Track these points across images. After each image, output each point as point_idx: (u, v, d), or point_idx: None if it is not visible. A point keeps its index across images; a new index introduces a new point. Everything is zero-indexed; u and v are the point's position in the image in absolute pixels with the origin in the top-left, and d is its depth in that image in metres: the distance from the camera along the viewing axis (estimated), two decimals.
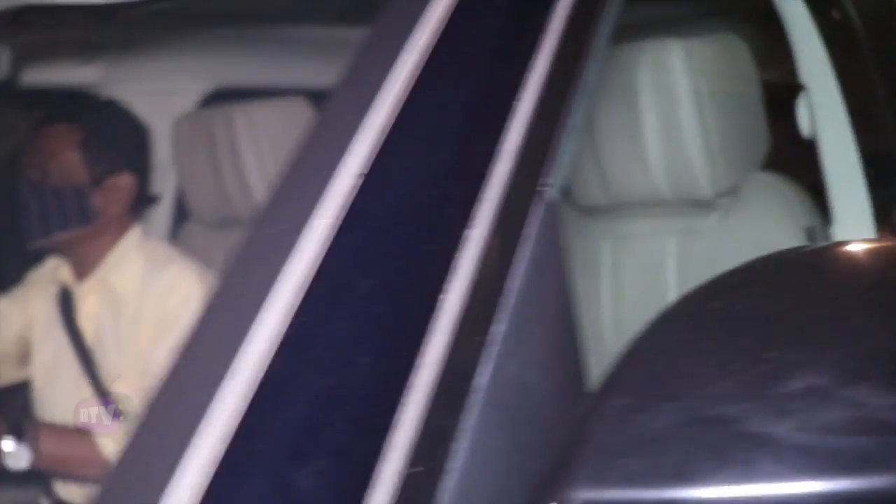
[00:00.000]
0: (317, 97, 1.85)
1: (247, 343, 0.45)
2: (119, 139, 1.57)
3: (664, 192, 1.16)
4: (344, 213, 0.51)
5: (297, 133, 1.72)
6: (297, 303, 0.47)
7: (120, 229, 1.51)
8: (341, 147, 0.56)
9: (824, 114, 1.10)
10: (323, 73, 2.15)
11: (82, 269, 1.50)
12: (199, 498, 0.39)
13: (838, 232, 1.10)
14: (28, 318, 1.52)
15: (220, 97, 1.95)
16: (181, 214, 1.96)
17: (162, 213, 1.93)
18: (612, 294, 1.27)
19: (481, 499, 0.47)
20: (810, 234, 1.06)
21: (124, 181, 1.52)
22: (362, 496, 0.41)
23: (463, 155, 0.59)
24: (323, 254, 0.50)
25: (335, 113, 0.63)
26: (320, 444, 0.43)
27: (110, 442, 1.34)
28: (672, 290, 1.18)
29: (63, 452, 1.34)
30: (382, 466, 0.42)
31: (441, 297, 0.49)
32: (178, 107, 1.93)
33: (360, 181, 0.53)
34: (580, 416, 0.47)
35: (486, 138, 0.59)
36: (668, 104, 1.10)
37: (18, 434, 1.27)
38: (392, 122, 0.57)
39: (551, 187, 0.59)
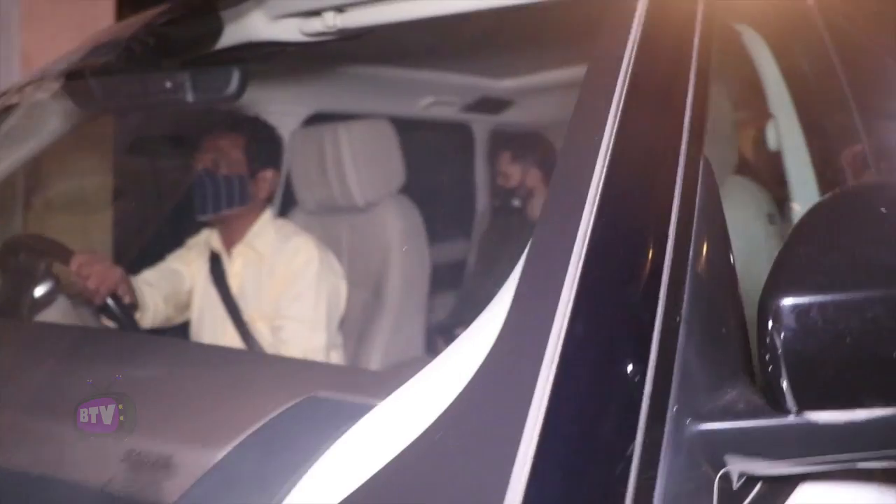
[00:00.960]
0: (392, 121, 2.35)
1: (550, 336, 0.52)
2: (266, 144, 2.05)
3: None
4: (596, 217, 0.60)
5: (383, 145, 2.21)
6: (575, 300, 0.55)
7: (260, 209, 1.98)
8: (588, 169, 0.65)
9: (786, 134, 1.43)
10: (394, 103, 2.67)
11: (231, 238, 1.98)
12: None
13: (795, 220, 1.43)
14: (191, 273, 2.00)
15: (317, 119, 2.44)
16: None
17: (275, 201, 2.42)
18: None
19: None
20: (771, 219, 1.41)
21: (269, 174, 1.99)
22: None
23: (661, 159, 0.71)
24: (588, 257, 0.58)
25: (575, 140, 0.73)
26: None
27: None
28: None
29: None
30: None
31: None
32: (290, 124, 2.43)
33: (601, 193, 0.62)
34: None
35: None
36: None
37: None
38: (613, 141, 0.67)
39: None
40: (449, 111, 3.01)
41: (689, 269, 0.62)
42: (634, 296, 0.59)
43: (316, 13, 1.30)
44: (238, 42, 1.33)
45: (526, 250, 0.64)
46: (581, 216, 0.61)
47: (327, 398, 0.60)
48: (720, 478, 0.56)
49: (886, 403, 0.55)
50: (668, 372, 0.56)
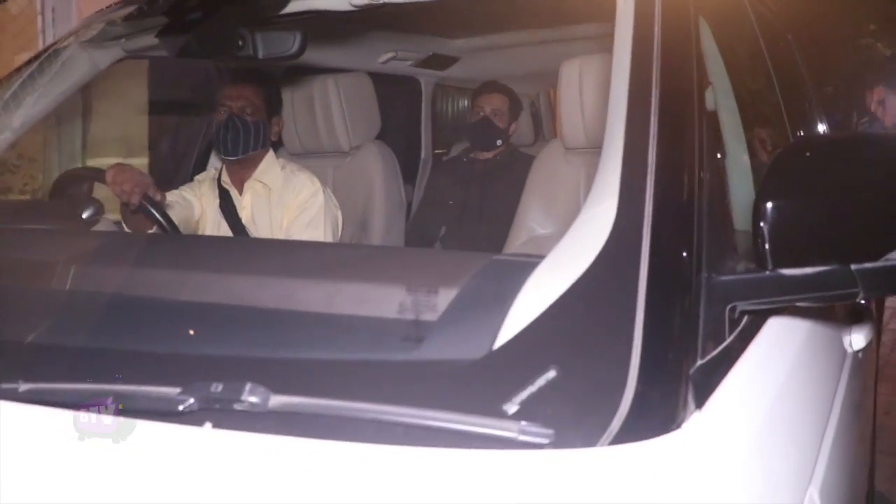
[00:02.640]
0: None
1: None
2: (276, 94, 2.31)
3: None
4: None
5: (365, 96, 2.54)
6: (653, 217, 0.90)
7: (266, 150, 2.25)
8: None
9: (721, 98, 1.84)
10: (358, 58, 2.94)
11: (242, 175, 2.24)
12: None
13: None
14: (201, 205, 2.25)
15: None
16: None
17: None
18: None
19: None
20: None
21: (278, 121, 2.26)
22: None
23: None
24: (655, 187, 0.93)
25: None
26: None
27: None
28: None
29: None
30: None
31: None
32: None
33: None
34: None
35: None
36: None
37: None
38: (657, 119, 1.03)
39: None
40: (403, 66, 3.30)
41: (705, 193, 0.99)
42: (684, 217, 0.94)
43: None
44: (300, 10, 1.61)
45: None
46: (647, 154, 0.96)
47: (504, 258, 0.93)
48: (728, 309, 0.94)
49: (823, 264, 0.93)
50: (700, 251, 0.93)
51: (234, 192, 2.25)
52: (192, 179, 2.36)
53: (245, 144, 2.14)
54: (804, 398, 1.05)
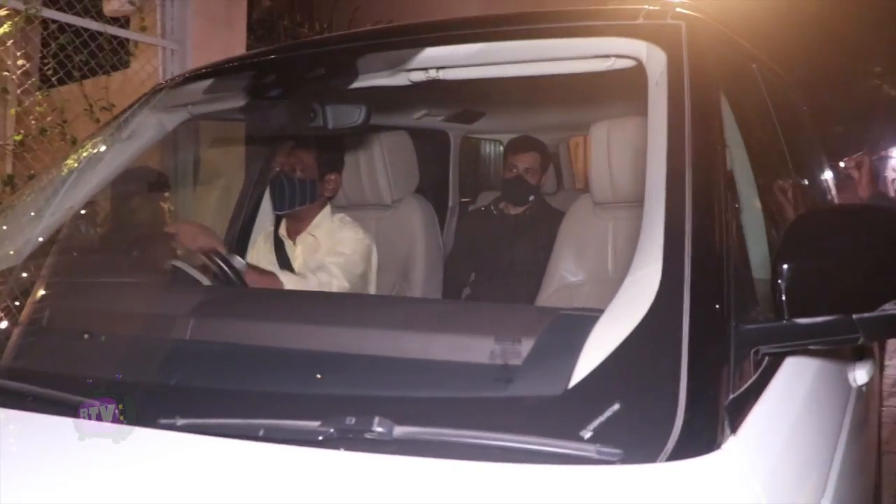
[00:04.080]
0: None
1: None
2: (330, 153, 2.53)
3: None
4: None
5: (405, 152, 2.80)
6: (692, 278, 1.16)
7: (322, 205, 2.47)
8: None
9: (737, 162, 2.04)
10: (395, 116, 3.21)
11: (297, 228, 2.46)
12: None
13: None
14: (255, 256, 2.47)
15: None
16: None
17: None
18: None
19: None
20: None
21: (333, 177, 2.48)
22: None
23: None
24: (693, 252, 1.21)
25: None
26: None
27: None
28: None
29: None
30: None
31: None
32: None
33: None
34: None
35: None
36: None
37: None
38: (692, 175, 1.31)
39: None
40: (435, 121, 3.54)
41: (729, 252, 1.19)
42: (717, 274, 1.14)
43: (424, 69, 1.81)
44: (366, 86, 1.83)
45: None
46: (685, 221, 1.16)
47: (570, 312, 1.14)
48: (753, 352, 1.14)
49: (830, 314, 1.13)
50: (730, 303, 1.13)
51: (288, 244, 2.48)
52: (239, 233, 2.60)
53: (291, 200, 2.37)
54: (817, 425, 1.24)
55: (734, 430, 0.98)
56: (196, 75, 2.21)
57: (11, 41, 3.71)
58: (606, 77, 1.65)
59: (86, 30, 4.06)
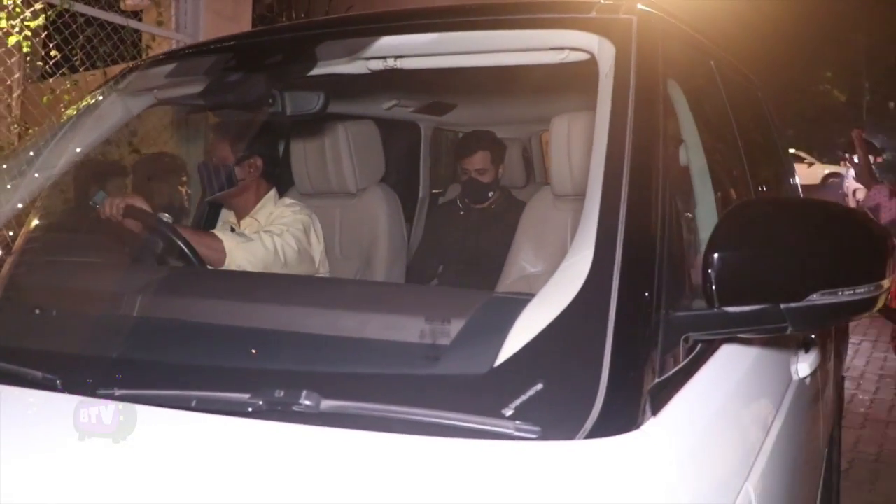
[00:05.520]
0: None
1: None
2: (248, 136, 2.55)
3: None
4: None
5: (372, 142, 2.83)
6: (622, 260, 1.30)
7: (263, 190, 2.49)
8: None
9: (693, 155, 2.08)
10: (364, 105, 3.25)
11: (239, 214, 2.49)
12: None
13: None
14: None
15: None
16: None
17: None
18: None
19: None
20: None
21: (254, 160, 2.51)
22: None
23: None
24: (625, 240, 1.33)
25: None
26: None
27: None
28: None
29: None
30: None
31: None
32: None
33: None
34: None
35: None
36: None
37: None
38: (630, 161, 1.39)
39: None
40: (405, 112, 3.56)
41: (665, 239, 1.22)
42: (647, 263, 1.16)
43: (382, 58, 1.83)
44: (324, 73, 1.84)
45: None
46: (619, 211, 1.19)
47: (502, 296, 1.16)
48: (682, 339, 1.16)
49: (759, 303, 1.15)
50: (661, 291, 1.15)
51: (237, 229, 2.49)
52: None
53: (210, 187, 2.41)
54: (746, 412, 1.28)
55: (655, 412, 1.01)
56: (161, 59, 2.22)
57: (45, 33, 4.03)
58: (570, 70, 1.68)
59: (109, 22, 4.39)
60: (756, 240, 1.17)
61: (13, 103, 3.96)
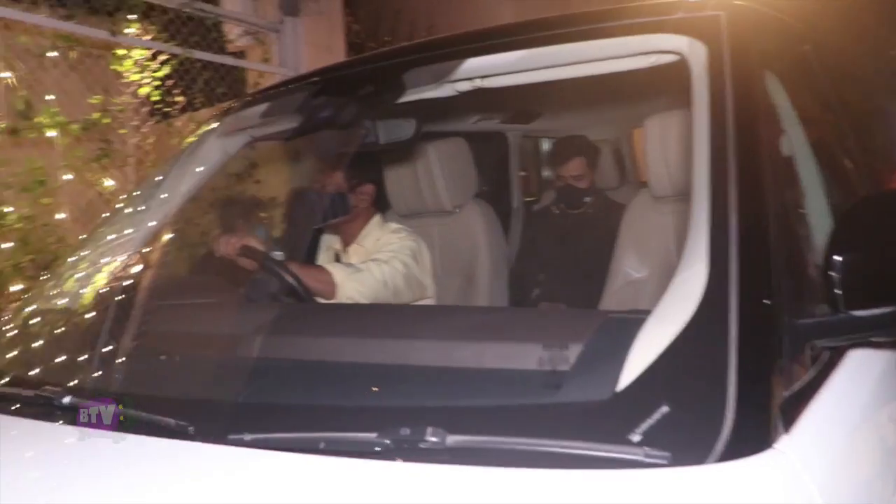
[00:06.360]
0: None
1: None
2: (359, 164, 2.59)
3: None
4: None
5: (462, 158, 2.84)
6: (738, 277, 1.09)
7: (368, 216, 2.52)
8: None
9: (797, 145, 1.99)
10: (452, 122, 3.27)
11: (347, 240, 2.54)
12: None
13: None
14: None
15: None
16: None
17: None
18: None
19: None
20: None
21: (366, 188, 2.54)
22: None
23: None
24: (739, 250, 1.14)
25: None
26: None
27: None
28: None
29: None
30: None
31: None
32: None
33: None
34: None
35: None
36: None
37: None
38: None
39: None
40: (491, 124, 3.56)
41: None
42: (764, 270, 1.12)
43: (469, 79, 1.83)
44: (413, 99, 1.86)
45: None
46: (730, 215, 1.15)
47: (617, 316, 1.15)
48: (809, 346, 1.12)
49: (889, 305, 1.09)
50: (781, 298, 1.11)
51: (343, 257, 2.54)
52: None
53: (324, 215, 2.45)
54: (883, 421, 1.21)
55: (788, 428, 0.97)
56: (254, 99, 2.29)
57: (171, 80, 4.34)
58: (660, 70, 1.64)
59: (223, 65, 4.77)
60: (882, 238, 1.12)
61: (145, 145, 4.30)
